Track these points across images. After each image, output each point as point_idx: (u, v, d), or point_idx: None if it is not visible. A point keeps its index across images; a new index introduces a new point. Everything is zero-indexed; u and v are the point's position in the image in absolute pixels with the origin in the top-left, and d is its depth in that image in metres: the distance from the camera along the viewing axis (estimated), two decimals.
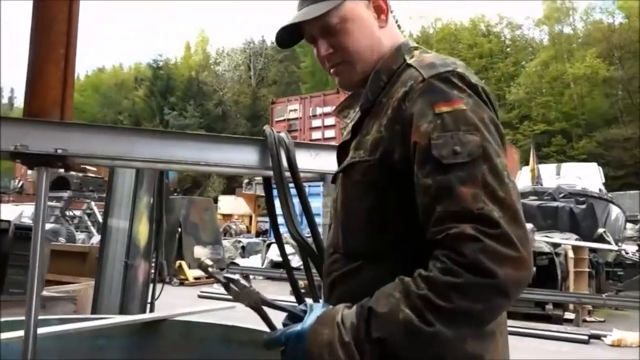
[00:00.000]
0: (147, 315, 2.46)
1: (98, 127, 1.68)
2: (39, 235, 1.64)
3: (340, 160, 1.22)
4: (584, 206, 10.00)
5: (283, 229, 1.83)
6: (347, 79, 1.19)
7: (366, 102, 1.14)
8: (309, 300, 1.30)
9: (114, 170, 3.01)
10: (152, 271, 3.07)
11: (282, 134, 1.81)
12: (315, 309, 1.04)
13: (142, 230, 2.91)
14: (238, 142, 1.79)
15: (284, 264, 2.14)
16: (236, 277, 1.10)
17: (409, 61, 1.11)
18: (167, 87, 46.80)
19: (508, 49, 41.85)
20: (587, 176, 13.33)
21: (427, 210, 0.97)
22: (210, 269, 1.10)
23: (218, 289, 10.73)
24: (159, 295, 3.07)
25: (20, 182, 26.11)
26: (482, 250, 0.89)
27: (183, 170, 1.71)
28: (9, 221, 3.12)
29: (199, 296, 9.50)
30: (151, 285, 3.04)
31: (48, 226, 3.67)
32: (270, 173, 1.85)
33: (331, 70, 1.20)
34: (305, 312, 1.04)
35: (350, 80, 1.19)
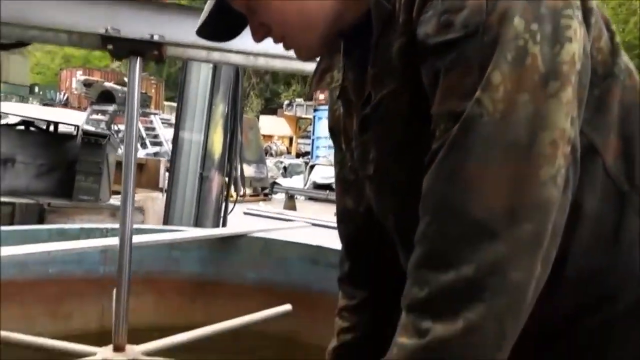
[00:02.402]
0: (226, 230, 2.32)
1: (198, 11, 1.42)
2: (133, 136, 1.45)
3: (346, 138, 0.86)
4: None
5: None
6: (302, 52, 0.80)
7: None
8: None
9: (185, 78, 2.78)
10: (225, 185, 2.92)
11: None
12: None
13: (217, 141, 2.72)
14: None
15: None
16: None
17: None
18: None
19: None
20: None
21: None
22: None
23: (264, 206, 10.85)
24: (232, 209, 2.95)
25: (65, 95, 26.47)
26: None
27: (287, 71, 1.50)
28: (77, 126, 2.96)
29: (245, 213, 9.56)
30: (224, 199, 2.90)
31: None
32: None
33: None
34: None
35: (307, 51, 0.80)
